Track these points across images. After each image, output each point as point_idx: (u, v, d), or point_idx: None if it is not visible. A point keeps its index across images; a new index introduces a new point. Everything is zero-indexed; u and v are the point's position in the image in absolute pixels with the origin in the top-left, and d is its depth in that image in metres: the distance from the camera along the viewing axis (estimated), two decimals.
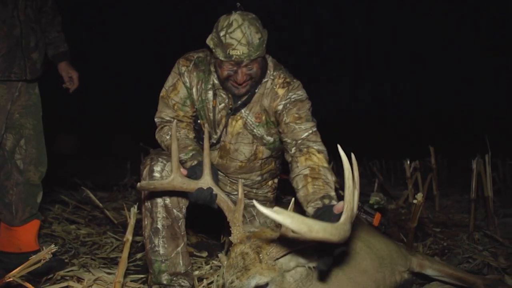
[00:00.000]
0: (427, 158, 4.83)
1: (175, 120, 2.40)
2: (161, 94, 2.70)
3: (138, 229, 4.11)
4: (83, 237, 3.81)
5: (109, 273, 2.80)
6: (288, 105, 2.57)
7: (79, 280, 2.71)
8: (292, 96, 2.58)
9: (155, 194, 2.41)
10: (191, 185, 2.11)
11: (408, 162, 4.57)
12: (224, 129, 2.69)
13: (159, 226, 2.42)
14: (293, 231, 1.27)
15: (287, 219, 1.21)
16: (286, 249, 1.73)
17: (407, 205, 4.75)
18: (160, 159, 2.45)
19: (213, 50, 2.41)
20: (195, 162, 2.34)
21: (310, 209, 2.08)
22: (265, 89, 2.63)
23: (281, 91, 2.60)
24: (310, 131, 2.46)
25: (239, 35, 2.31)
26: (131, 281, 2.72)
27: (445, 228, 4.00)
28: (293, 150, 2.44)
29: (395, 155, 6.27)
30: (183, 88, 2.64)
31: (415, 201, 2.64)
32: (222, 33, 2.34)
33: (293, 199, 2.08)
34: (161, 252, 2.40)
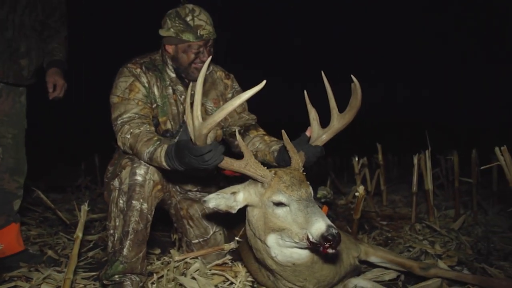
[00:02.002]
0: (375, 155, 5.03)
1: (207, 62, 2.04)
2: (114, 101, 2.58)
3: (91, 228, 4.13)
4: (33, 238, 3.76)
5: (59, 272, 2.81)
6: (235, 93, 2.96)
7: (28, 279, 2.69)
8: (235, 86, 3.00)
9: (133, 196, 2.41)
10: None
11: (357, 159, 4.76)
12: None
13: (130, 229, 2.41)
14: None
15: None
16: (301, 160, 2.23)
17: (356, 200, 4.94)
18: (142, 161, 2.43)
19: (179, 37, 2.62)
20: (166, 146, 2.23)
21: (275, 147, 2.58)
22: (215, 78, 2.95)
23: (228, 82, 2.98)
24: (255, 121, 2.94)
25: (204, 17, 2.63)
26: (82, 278, 2.73)
27: (391, 221, 4.20)
28: (242, 131, 2.87)
29: (348, 153, 6.48)
30: (141, 87, 2.64)
31: (357, 194, 2.79)
32: (188, 18, 2.60)
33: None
34: (124, 253, 2.40)
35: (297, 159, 2.21)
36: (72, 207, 5.09)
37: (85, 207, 2.30)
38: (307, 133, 2.43)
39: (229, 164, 2.05)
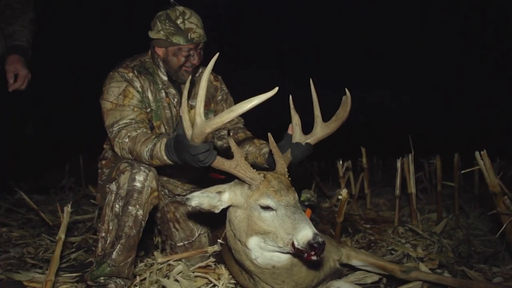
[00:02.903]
0: (360, 159, 5.07)
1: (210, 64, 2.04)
2: (107, 107, 2.56)
3: (74, 230, 4.10)
4: (15, 239, 3.71)
5: (41, 273, 2.78)
6: (224, 96, 3.00)
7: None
8: (224, 88, 3.03)
9: (130, 202, 2.39)
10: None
11: (341, 162, 4.79)
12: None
13: (122, 234, 2.40)
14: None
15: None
16: (286, 164, 2.25)
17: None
18: (142, 167, 2.42)
19: (169, 40, 2.60)
20: (165, 139, 2.25)
21: (265, 150, 2.63)
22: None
23: (217, 84, 3.00)
24: (243, 124, 3.00)
25: (195, 20, 2.61)
26: (64, 280, 2.71)
27: (375, 224, 4.23)
28: (231, 134, 2.87)
29: (332, 156, 6.53)
30: (135, 93, 2.61)
31: (340, 197, 2.82)
32: (179, 21, 2.58)
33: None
34: (113, 257, 2.39)
35: (282, 164, 2.22)
36: (55, 208, 5.04)
37: (68, 209, 2.29)
38: (289, 131, 2.48)
39: (220, 163, 2.05)
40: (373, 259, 2.67)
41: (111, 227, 2.41)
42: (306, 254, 1.84)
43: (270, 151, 2.55)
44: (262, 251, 2.04)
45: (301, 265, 2.14)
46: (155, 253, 3.00)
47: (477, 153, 2.61)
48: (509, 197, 2.60)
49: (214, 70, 2.99)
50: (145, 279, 2.55)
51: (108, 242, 2.41)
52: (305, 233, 1.84)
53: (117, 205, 2.41)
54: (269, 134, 2.29)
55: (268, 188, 2.00)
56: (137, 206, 2.41)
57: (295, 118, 2.45)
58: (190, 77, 2.25)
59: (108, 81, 2.62)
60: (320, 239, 1.82)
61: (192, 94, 2.86)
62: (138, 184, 2.40)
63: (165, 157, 2.23)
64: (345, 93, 2.43)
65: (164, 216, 3.03)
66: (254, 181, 2.04)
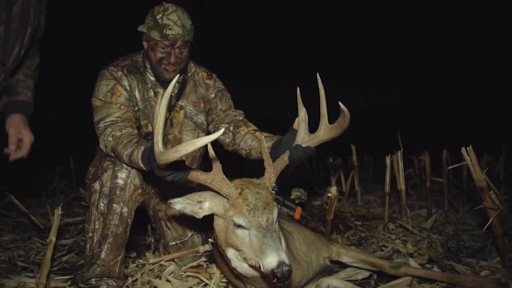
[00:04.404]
0: (351, 156, 5.10)
1: (161, 91, 2.10)
2: (96, 104, 2.59)
3: (65, 232, 4.08)
4: (5, 243, 3.69)
5: (32, 277, 2.78)
6: (218, 93, 2.97)
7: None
8: (218, 85, 3.00)
9: (113, 200, 2.40)
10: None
11: (331, 160, 4.82)
12: (169, 122, 2.82)
13: (109, 232, 2.41)
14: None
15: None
16: (275, 174, 2.15)
17: None
18: (124, 165, 2.43)
19: (148, 33, 2.62)
20: (142, 147, 2.25)
21: (268, 144, 2.54)
22: (196, 80, 2.94)
23: (210, 82, 2.97)
24: (243, 117, 2.93)
25: (175, 17, 2.56)
26: (55, 283, 2.71)
27: (365, 221, 4.27)
28: (231, 128, 2.82)
29: (323, 154, 6.55)
30: (123, 91, 2.64)
31: (329, 194, 2.85)
32: (158, 16, 2.57)
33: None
34: (102, 257, 2.40)
35: (270, 173, 2.16)
36: (46, 211, 5.00)
37: (58, 211, 2.30)
38: (295, 126, 2.39)
39: (195, 177, 2.04)
40: (363, 256, 2.69)
41: (97, 226, 2.43)
42: (270, 279, 1.83)
43: (272, 146, 2.52)
44: (240, 262, 2.05)
45: None
46: (146, 253, 3.02)
47: (463, 149, 2.64)
48: (494, 192, 2.63)
49: (210, 69, 3.04)
50: (136, 280, 2.56)
51: (95, 241, 2.43)
52: (270, 260, 1.81)
53: (101, 204, 2.43)
54: (262, 138, 2.28)
55: (243, 206, 1.96)
56: (121, 204, 2.43)
57: (302, 113, 2.33)
58: (161, 93, 2.19)
59: (99, 79, 2.68)
60: (285, 268, 1.77)
61: (183, 94, 2.88)
62: (120, 181, 2.43)
63: (141, 165, 2.22)
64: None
65: (155, 214, 3.04)
66: (230, 197, 2.01)
